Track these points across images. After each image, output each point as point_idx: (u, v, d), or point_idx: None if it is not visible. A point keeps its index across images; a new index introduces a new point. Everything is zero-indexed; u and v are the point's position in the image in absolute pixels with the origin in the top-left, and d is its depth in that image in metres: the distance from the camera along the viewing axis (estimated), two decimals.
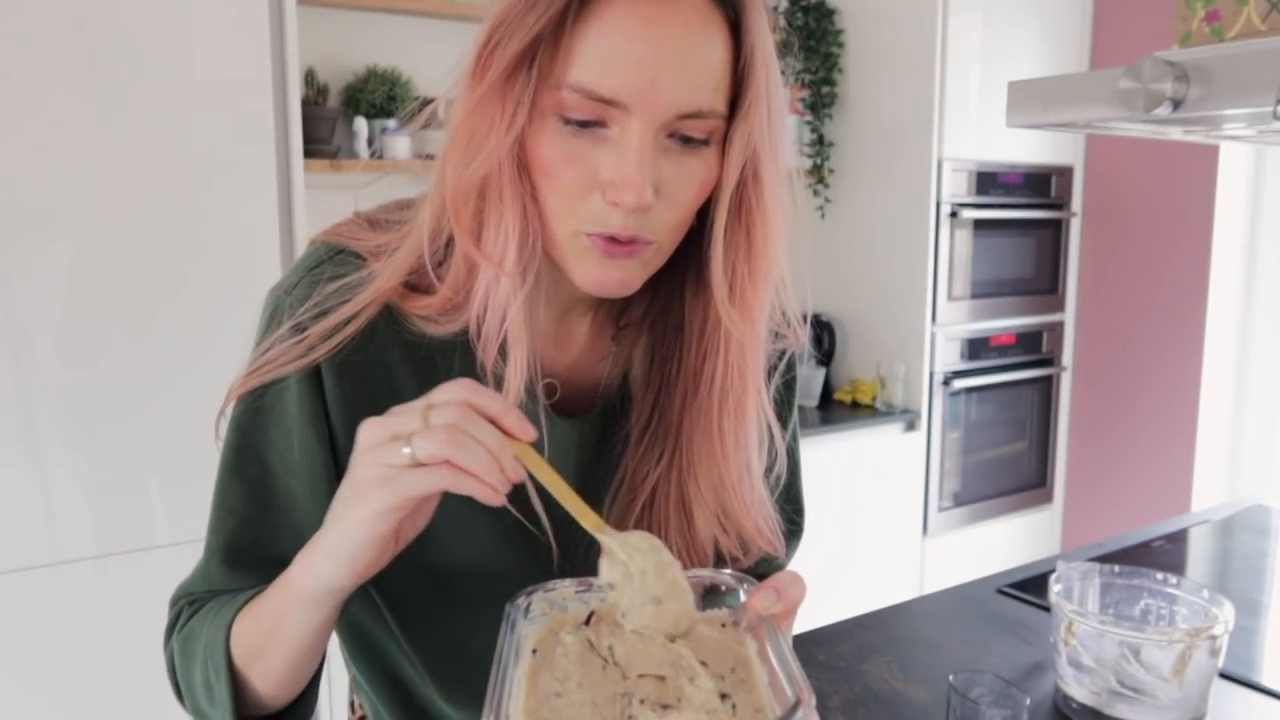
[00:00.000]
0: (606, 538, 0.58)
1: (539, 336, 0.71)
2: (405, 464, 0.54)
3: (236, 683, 0.65)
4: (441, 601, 0.72)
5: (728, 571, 0.62)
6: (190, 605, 0.71)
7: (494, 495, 0.55)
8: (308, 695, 0.69)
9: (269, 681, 0.65)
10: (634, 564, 0.57)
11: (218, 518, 0.70)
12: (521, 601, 0.58)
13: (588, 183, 0.59)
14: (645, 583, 0.57)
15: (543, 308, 0.71)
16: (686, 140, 0.60)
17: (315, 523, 0.60)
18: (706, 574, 0.62)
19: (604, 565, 0.58)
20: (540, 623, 0.59)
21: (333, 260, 0.68)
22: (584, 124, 0.59)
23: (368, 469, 0.56)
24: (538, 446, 0.69)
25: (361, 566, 0.59)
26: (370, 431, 0.56)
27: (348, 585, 0.60)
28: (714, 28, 0.58)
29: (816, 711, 0.49)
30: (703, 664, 0.56)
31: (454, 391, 0.55)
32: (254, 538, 0.69)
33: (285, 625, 0.62)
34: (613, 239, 0.60)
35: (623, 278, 0.63)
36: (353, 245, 0.68)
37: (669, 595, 0.57)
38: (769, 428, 0.73)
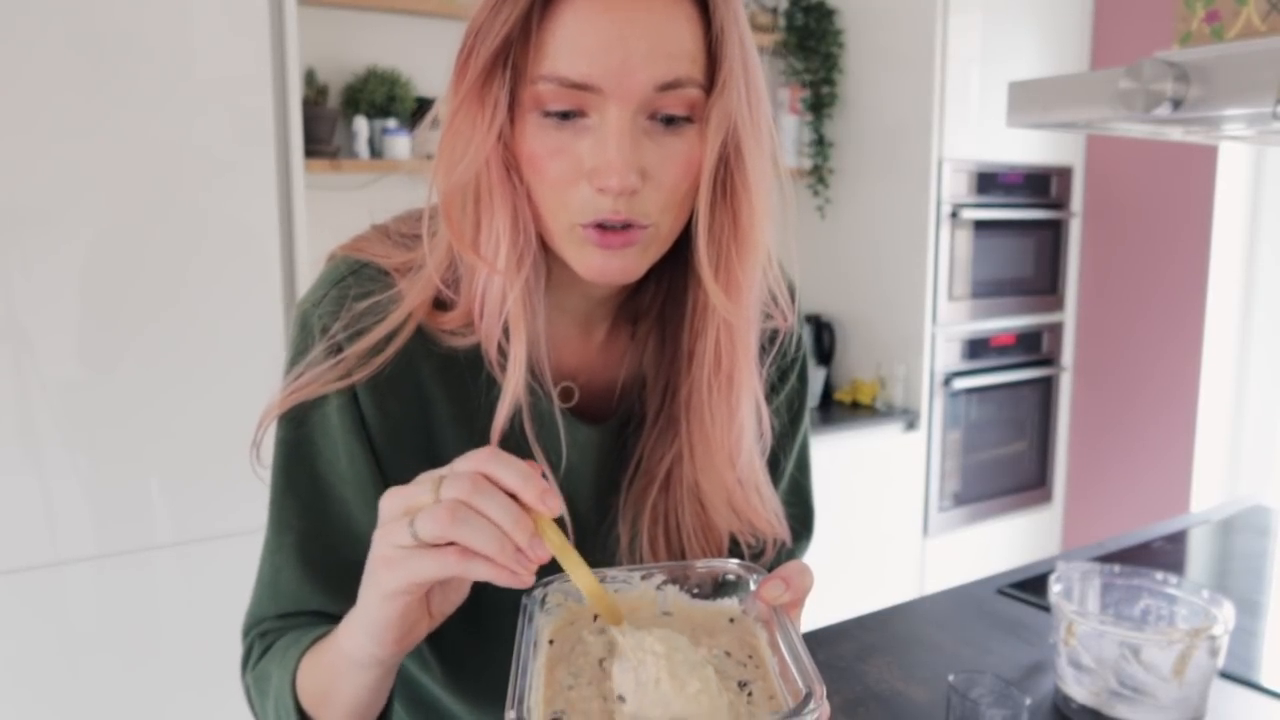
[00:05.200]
0: (622, 635, 0.53)
1: (556, 340, 0.72)
2: (411, 544, 0.52)
3: None
4: (470, 626, 0.72)
5: (736, 562, 0.62)
6: (261, 638, 0.71)
7: (512, 578, 0.51)
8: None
9: None
10: (645, 671, 0.51)
11: (276, 535, 0.69)
12: (538, 593, 0.58)
13: (574, 173, 0.60)
14: (660, 693, 0.50)
15: (559, 310, 0.71)
16: (669, 121, 0.60)
17: (370, 533, 0.58)
18: (716, 565, 0.62)
19: (617, 671, 0.52)
20: (557, 614, 0.58)
21: (356, 275, 0.68)
22: (564, 115, 0.59)
23: (378, 547, 0.54)
24: (555, 452, 0.69)
25: (393, 640, 0.58)
26: (388, 502, 0.54)
27: (387, 656, 0.59)
28: (680, 7, 0.59)
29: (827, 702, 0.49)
30: (726, 654, 0.56)
31: (472, 461, 0.52)
32: (318, 548, 0.69)
33: (341, 685, 0.62)
34: (606, 228, 0.61)
35: (623, 265, 0.63)
36: (376, 261, 0.69)
37: (687, 710, 0.49)
38: (760, 407, 0.73)
